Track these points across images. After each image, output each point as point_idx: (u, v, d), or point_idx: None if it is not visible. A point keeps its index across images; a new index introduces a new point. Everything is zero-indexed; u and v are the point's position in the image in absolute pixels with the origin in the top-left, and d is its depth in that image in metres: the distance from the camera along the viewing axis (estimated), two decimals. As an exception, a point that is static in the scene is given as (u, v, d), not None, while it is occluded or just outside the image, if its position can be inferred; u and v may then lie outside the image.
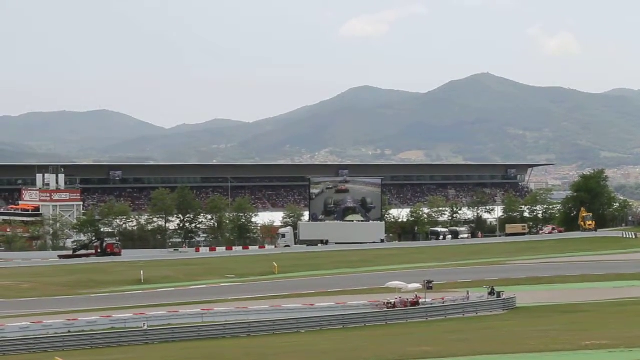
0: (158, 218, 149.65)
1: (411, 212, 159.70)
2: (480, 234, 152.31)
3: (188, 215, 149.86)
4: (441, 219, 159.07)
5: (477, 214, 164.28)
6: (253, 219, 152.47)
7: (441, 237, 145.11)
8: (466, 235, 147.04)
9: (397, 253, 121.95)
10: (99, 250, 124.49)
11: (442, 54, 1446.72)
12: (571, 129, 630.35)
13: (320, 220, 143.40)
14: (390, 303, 63.35)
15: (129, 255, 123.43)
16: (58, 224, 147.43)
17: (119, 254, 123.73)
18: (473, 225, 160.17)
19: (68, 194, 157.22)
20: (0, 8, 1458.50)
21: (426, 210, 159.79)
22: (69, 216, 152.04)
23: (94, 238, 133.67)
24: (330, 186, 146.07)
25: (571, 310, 61.33)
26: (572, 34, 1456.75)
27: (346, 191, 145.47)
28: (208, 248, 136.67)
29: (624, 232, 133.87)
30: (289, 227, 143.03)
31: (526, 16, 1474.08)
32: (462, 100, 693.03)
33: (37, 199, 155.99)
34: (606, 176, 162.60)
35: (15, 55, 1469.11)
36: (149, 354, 47.78)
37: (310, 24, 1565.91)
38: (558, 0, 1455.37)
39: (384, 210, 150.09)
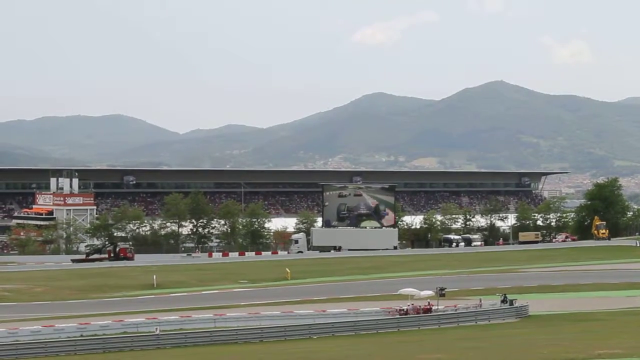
0: (171, 223, 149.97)
1: (424, 219, 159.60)
2: (500, 241, 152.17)
3: (201, 221, 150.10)
4: (454, 226, 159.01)
5: (490, 221, 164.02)
6: (266, 225, 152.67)
7: (454, 244, 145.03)
8: (479, 243, 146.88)
9: (409, 260, 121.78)
10: (112, 255, 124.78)
11: (455, 61, 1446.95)
12: (585, 137, 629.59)
13: (333, 226, 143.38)
14: (403, 310, 63.25)
15: (141, 259, 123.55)
16: (71, 228, 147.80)
17: (131, 259, 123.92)
18: (486, 232, 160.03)
19: (82, 198, 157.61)
20: (15, 14, 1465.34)
21: (439, 217, 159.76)
22: (82, 220, 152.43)
23: (107, 242, 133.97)
24: (345, 194, 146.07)
25: (584, 318, 61.09)
26: (586, 42, 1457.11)
27: (360, 195, 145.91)
28: (221, 253, 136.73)
29: (638, 241, 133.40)
30: (302, 233, 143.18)
31: (540, 24, 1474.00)
32: (476, 107, 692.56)
33: (51, 203, 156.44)
34: (620, 185, 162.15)
35: (30, 60, 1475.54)
36: (161, 358, 47.83)
37: (324, 31, 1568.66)
38: (571, 8, 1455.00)
39: (397, 217, 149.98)
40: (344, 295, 78.52)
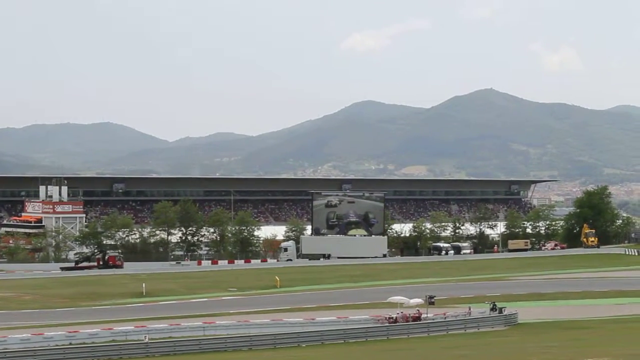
0: (160, 231, 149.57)
1: (414, 227, 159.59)
2: (496, 248, 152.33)
3: (190, 228, 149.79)
4: (443, 234, 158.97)
5: (480, 229, 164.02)
6: (255, 233, 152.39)
7: (443, 252, 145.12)
8: (468, 251, 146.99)
9: (399, 268, 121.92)
10: (101, 263, 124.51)
11: (445, 69, 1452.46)
12: (574, 145, 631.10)
13: (323, 234, 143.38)
14: (392, 318, 63.31)
15: (131, 267, 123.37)
16: (60, 236, 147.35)
17: (120, 267, 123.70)
18: (475, 240, 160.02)
19: (71, 206, 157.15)
20: (4, 19, 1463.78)
21: (428, 225, 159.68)
22: (72, 228, 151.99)
23: (96, 250, 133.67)
24: (334, 202, 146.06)
25: (573, 326, 61.27)
26: (575, 51, 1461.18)
27: (350, 203, 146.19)
28: (210, 261, 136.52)
29: (627, 249, 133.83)
30: (291, 241, 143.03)
31: (529, 32, 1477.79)
32: (465, 115, 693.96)
33: (40, 211, 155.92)
34: (609, 193, 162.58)
35: (19, 66, 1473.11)
36: (150, 366, 47.78)
37: (313, 38, 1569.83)
38: (560, 16, 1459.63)
39: (386, 225, 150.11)
40: (333, 303, 78.56)
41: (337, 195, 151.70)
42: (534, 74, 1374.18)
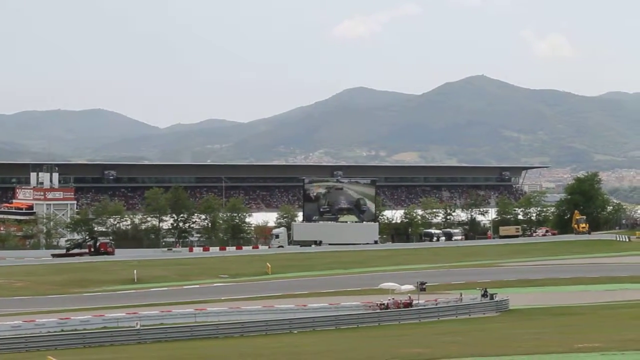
0: (152, 217, 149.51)
1: (405, 213, 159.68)
2: (490, 234, 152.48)
3: (182, 215, 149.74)
4: (435, 220, 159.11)
5: (471, 215, 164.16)
6: (247, 219, 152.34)
7: (435, 238, 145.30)
8: (460, 237, 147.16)
9: (390, 254, 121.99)
10: (92, 250, 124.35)
11: (436, 55, 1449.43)
12: (565, 131, 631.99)
13: (314, 221, 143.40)
14: (383, 304, 63.34)
15: (122, 254, 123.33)
16: (52, 223, 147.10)
17: (112, 253, 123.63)
18: (467, 227, 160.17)
19: (62, 192, 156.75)
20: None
21: (420, 212, 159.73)
22: (63, 215, 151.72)
23: (87, 237, 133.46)
24: (325, 189, 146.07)
25: (564, 312, 61.42)
26: (566, 37, 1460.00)
27: (341, 189, 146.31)
28: (201, 248, 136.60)
29: (617, 235, 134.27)
30: (283, 228, 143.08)
31: (521, 18, 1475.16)
32: (456, 102, 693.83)
33: (31, 198, 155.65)
34: (600, 179, 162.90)
35: (10, 53, 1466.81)
36: (142, 353, 47.69)
37: (305, 25, 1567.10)
38: (551, 2, 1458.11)
39: (377, 212, 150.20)
40: (324, 290, 78.67)
41: (326, 184, 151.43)
42: (525, 61, 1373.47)
